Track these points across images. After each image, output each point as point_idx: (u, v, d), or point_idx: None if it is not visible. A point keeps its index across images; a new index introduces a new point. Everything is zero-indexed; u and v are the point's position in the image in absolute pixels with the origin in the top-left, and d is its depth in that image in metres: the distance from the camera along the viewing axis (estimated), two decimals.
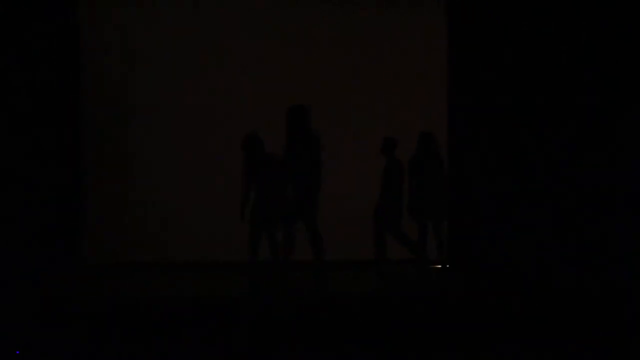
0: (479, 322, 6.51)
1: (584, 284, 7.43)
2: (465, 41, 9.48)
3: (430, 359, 6.16)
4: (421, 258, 9.23)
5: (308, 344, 6.18)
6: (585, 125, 7.76)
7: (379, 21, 10.60)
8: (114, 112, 10.18)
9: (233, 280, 8.65)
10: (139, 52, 10.26)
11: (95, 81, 10.01)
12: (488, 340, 6.30)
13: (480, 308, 6.78)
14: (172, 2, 10.33)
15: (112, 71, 10.20)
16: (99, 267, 9.65)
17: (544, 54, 8.06)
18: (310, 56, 10.41)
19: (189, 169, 10.15)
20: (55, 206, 9.03)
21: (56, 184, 9.10)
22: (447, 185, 9.44)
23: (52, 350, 6.03)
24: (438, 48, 10.11)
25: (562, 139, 7.88)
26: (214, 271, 9.47)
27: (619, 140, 7.57)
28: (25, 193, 8.69)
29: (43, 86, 8.99)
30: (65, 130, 9.29)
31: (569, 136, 7.85)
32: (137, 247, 10.00)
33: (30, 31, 8.77)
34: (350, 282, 8.76)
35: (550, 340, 6.33)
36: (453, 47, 9.74)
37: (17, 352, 5.96)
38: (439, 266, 9.47)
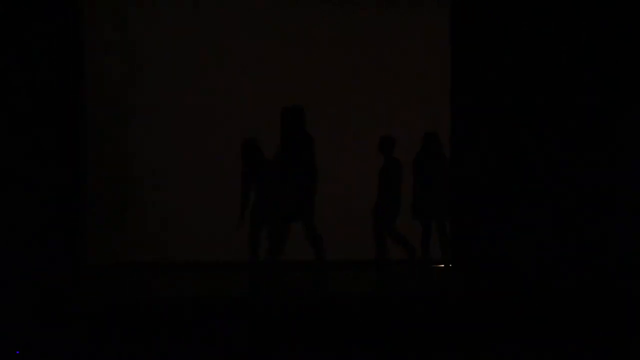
0: (479, 322, 6.51)
1: (584, 284, 7.43)
2: (466, 41, 9.47)
3: (430, 359, 6.16)
4: (424, 258, 9.25)
5: (308, 344, 6.18)
6: (585, 125, 7.76)
7: (379, 21, 10.61)
8: (114, 112, 10.18)
9: (233, 280, 8.65)
10: (139, 52, 10.27)
11: (95, 81, 10.00)
12: (488, 340, 6.30)
13: (480, 308, 6.78)
14: (172, 2, 10.34)
15: (112, 71, 10.20)
16: (99, 267, 9.64)
17: (544, 54, 8.06)
18: (310, 56, 10.42)
19: (189, 169, 10.16)
20: (55, 206, 9.01)
21: (56, 184, 9.08)
22: (449, 185, 9.45)
23: (52, 350, 6.03)
24: (438, 48, 10.08)
25: (562, 139, 7.88)
26: (214, 271, 9.47)
27: (619, 140, 7.58)
28: (25, 193, 8.68)
29: (43, 86, 8.97)
30: (65, 130, 9.27)
31: (569, 136, 7.85)
32: (137, 247, 10.00)
33: (30, 31, 8.76)
34: (350, 282, 8.76)
35: (550, 340, 6.33)
36: (454, 47, 9.73)
37: (17, 352, 5.96)
38: (442, 265, 9.47)
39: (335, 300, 7.22)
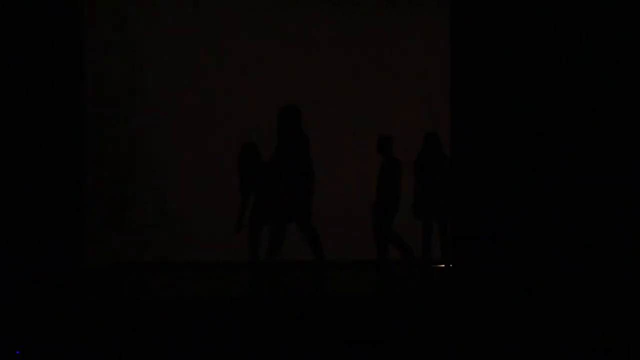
0: (479, 322, 6.51)
1: (584, 284, 7.43)
2: (466, 41, 9.47)
3: (430, 359, 6.16)
4: (424, 258, 9.25)
5: (308, 344, 6.18)
6: (585, 125, 7.77)
7: (379, 21, 10.60)
8: (114, 112, 10.18)
9: (233, 280, 8.65)
10: (139, 52, 10.27)
11: (95, 81, 10.00)
12: (488, 340, 6.30)
13: (480, 308, 6.78)
14: (172, 2, 10.34)
15: (113, 71, 10.20)
16: (99, 267, 9.64)
17: (544, 54, 8.06)
18: (310, 56, 10.42)
19: (189, 169, 10.16)
20: (55, 206, 9.00)
21: (56, 184, 9.08)
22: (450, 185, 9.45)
23: (52, 350, 6.03)
24: (438, 48, 10.08)
25: (562, 139, 7.88)
26: (214, 271, 9.47)
27: (619, 140, 7.58)
28: (25, 193, 8.68)
29: (43, 86, 8.97)
30: (65, 130, 9.28)
31: (569, 136, 7.85)
32: (137, 247, 10.00)
33: (30, 31, 8.75)
34: (350, 282, 8.76)
35: (550, 340, 6.33)
36: (454, 47, 9.73)
37: (17, 352, 5.96)
38: (443, 265, 9.47)
39: (335, 300, 7.22)
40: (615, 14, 7.64)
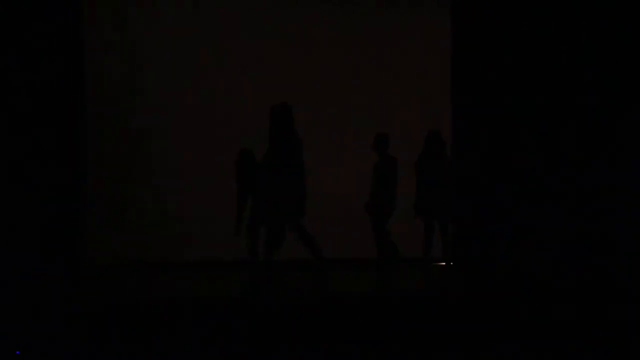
0: (479, 322, 6.51)
1: (584, 284, 7.43)
2: (466, 41, 9.47)
3: (430, 359, 6.16)
4: (425, 257, 9.25)
5: (308, 344, 6.18)
6: (585, 125, 7.77)
7: (379, 21, 10.61)
8: (114, 112, 10.18)
9: (233, 280, 8.65)
10: (139, 52, 10.27)
11: (95, 81, 10.00)
12: (488, 340, 6.30)
13: (480, 308, 6.78)
14: (172, 2, 10.34)
15: (112, 71, 10.20)
16: (99, 267, 9.65)
17: (544, 54, 8.06)
18: (310, 56, 10.42)
19: (189, 169, 10.16)
20: (55, 206, 9.01)
21: (56, 184, 9.09)
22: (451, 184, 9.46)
23: (52, 350, 6.03)
24: (438, 48, 10.10)
25: (562, 139, 7.88)
26: (214, 271, 9.48)
27: (619, 140, 7.58)
28: (25, 193, 8.68)
29: (43, 86, 8.97)
30: (65, 130, 9.28)
31: (569, 136, 7.85)
32: (137, 247, 10.00)
33: (30, 31, 8.76)
34: (350, 282, 8.76)
35: (550, 340, 6.33)
36: (455, 47, 9.73)
37: (17, 352, 5.96)
38: (443, 263, 9.47)
39: (335, 300, 7.22)
40: (615, 14, 7.64)
